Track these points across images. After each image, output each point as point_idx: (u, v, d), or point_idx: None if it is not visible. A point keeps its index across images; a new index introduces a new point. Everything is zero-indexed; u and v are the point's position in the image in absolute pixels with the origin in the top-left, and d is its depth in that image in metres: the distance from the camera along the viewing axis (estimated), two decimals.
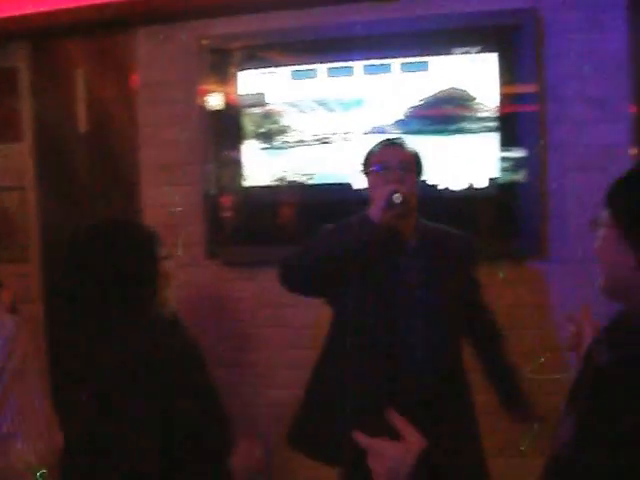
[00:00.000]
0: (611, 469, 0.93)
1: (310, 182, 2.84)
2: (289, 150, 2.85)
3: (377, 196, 1.85)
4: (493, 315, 2.15)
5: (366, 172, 2.01)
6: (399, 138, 2.08)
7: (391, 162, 1.92)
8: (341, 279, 1.93)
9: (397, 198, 1.80)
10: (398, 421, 1.12)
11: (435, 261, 1.94)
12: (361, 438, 1.14)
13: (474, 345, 2.14)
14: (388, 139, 2.04)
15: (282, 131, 2.86)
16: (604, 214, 1.12)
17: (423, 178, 2.05)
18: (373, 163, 1.97)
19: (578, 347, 1.33)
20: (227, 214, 2.94)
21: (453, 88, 2.70)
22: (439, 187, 2.70)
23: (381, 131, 2.71)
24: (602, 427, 0.97)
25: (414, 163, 1.97)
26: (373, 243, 1.83)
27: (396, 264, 1.92)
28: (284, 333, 2.95)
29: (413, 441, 1.10)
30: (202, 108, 2.91)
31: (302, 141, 2.83)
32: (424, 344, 1.91)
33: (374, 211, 1.82)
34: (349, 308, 1.97)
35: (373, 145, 2.03)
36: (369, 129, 2.75)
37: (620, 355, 1.03)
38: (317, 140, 2.82)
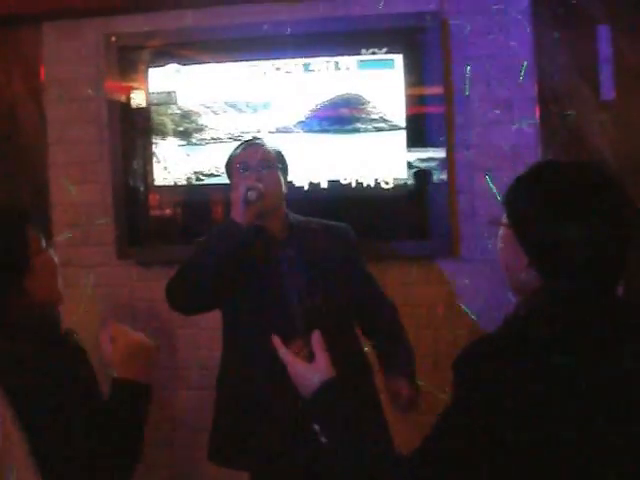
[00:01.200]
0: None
1: (223, 181, 2.81)
2: (201, 148, 2.82)
3: (235, 197, 1.85)
4: (392, 308, 2.13)
5: (229, 174, 2.05)
6: (258, 138, 2.13)
7: (250, 162, 1.95)
8: (224, 288, 1.91)
9: (251, 195, 1.80)
10: (317, 346, 1.24)
11: (308, 253, 1.96)
12: (278, 345, 1.26)
13: (373, 339, 2.13)
14: (247, 140, 2.09)
15: (193, 129, 2.83)
16: (503, 215, 1.17)
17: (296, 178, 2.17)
18: (234, 165, 2.00)
19: None
20: (139, 213, 2.89)
21: (359, 89, 2.70)
22: (348, 188, 2.70)
23: (289, 131, 2.71)
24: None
25: (275, 160, 1.99)
26: (240, 244, 1.82)
27: (268, 259, 1.94)
28: (198, 334, 2.93)
29: (322, 367, 1.21)
30: (111, 106, 2.85)
31: (213, 139, 2.81)
32: (315, 324, 1.88)
33: (234, 212, 1.82)
34: (232, 311, 2.00)
35: (234, 148, 2.05)
36: (278, 128, 2.74)
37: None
38: (230, 138, 2.80)
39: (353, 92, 2.71)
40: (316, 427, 1.15)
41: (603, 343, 1.03)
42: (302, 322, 1.90)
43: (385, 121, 2.69)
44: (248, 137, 2.72)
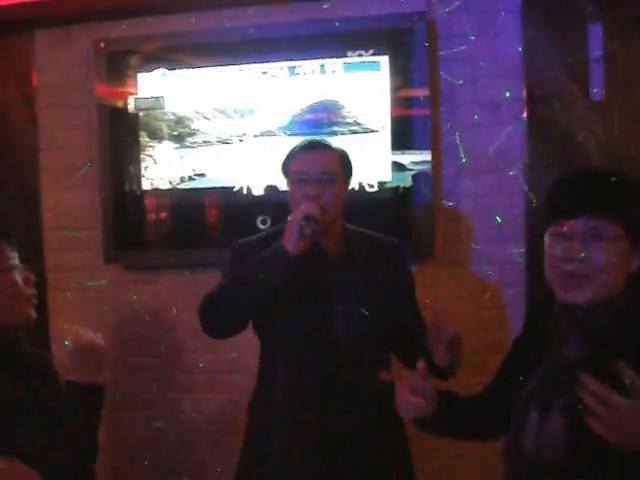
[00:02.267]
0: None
1: (209, 185, 2.81)
2: (189, 153, 2.82)
3: (290, 223, 1.68)
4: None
5: (285, 175, 1.85)
6: (320, 140, 1.90)
7: (310, 172, 1.74)
8: (264, 312, 1.79)
9: (306, 229, 1.65)
10: None
11: (364, 272, 1.80)
12: None
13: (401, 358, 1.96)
14: (310, 141, 1.86)
15: (183, 134, 2.83)
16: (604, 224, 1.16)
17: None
18: (292, 169, 1.80)
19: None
20: (126, 217, 2.90)
21: (345, 92, 2.68)
22: None
23: (272, 134, 2.69)
24: None
25: (338, 168, 1.79)
26: (286, 274, 1.67)
27: (321, 280, 1.78)
28: (185, 337, 2.92)
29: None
30: (100, 111, 2.87)
31: (202, 144, 2.81)
32: (352, 363, 1.77)
33: (287, 242, 1.66)
34: (273, 333, 1.82)
35: (294, 147, 1.85)
36: (262, 131, 2.73)
37: (594, 350, 1.11)
38: (218, 142, 2.80)
39: (335, 96, 2.69)
40: None
41: None
42: (346, 353, 1.77)
43: (371, 123, 2.66)
44: (235, 140, 2.75)
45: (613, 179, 1.18)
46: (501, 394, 1.36)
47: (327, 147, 1.83)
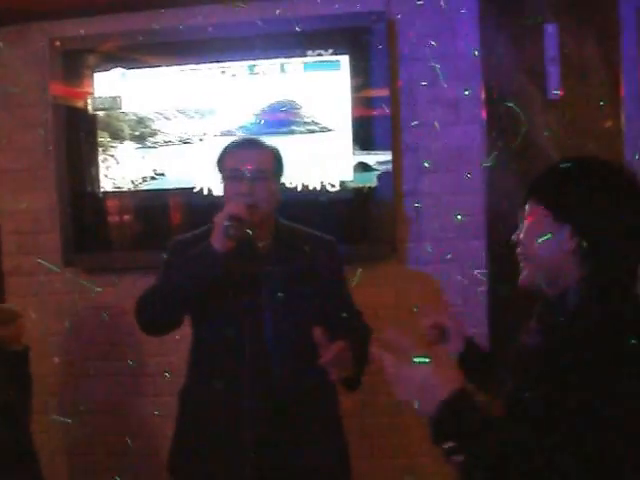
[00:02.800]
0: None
1: (170, 185, 2.79)
2: (150, 153, 2.79)
3: (216, 223, 1.71)
4: (367, 331, 1.97)
5: (220, 171, 1.87)
6: (255, 138, 1.94)
7: (243, 169, 1.77)
8: (196, 307, 1.83)
9: (231, 230, 1.67)
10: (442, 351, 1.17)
11: (292, 266, 1.85)
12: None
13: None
14: (244, 139, 1.91)
15: (144, 134, 2.79)
16: (532, 207, 1.20)
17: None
18: (226, 166, 1.83)
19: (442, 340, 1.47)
20: (85, 219, 2.86)
21: (304, 91, 2.67)
22: (292, 190, 2.67)
23: (232, 134, 2.68)
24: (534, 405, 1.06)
25: (271, 166, 1.82)
26: (215, 271, 1.71)
27: (253, 270, 1.82)
28: (147, 340, 2.87)
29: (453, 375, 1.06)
30: (56, 111, 2.82)
31: (163, 144, 2.78)
32: (286, 347, 1.83)
33: (214, 241, 1.69)
34: (205, 323, 1.88)
35: (228, 144, 1.87)
36: (223, 131, 2.71)
37: (552, 339, 1.14)
38: (179, 142, 2.77)
39: (294, 96, 2.69)
40: (449, 445, 0.98)
41: None
42: (274, 342, 1.82)
43: (330, 123, 2.66)
44: (194, 140, 2.73)
45: (550, 169, 1.26)
46: None
47: (260, 145, 1.85)
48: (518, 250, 1.25)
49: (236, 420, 1.82)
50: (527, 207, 1.23)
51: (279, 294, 1.81)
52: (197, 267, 1.72)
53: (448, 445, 0.98)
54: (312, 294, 1.86)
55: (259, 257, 1.85)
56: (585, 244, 1.14)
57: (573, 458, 0.96)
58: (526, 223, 1.22)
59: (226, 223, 1.68)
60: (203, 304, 1.81)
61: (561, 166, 1.22)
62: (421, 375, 1.01)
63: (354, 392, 1.89)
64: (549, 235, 1.17)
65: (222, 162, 1.85)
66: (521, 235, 1.24)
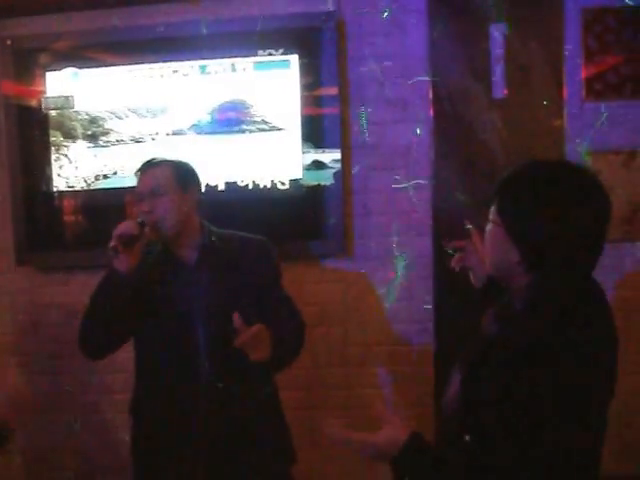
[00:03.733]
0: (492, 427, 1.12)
1: (123, 184, 2.80)
2: (103, 152, 2.80)
3: (112, 247, 1.77)
4: (293, 323, 2.00)
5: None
6: (155, 159, 1.96)
7: (143, 191, 1.86)
8: (132, 324, 1.87)
9: (114, 250, 1.74)
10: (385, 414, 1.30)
11: (221, 272, 1.89)
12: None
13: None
14: (144, 163, 1.95)
15: (96, 133, 2.81)
16: (491, 212, 1.24)
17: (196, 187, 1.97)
18: (135, 192, 1.92)
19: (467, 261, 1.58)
20: (38, 218, 2.86)
21: (255, 90, 2.70)
22: (241, 188, 2.70)
23: (183, 133, 2.70)
24: (486, 389, 1.16)
25: (169, 181, 1.86)
26: (128, 290, 1.77)
27: (179, 284, 1.87)
28: None
29: (397, 425, 1.27)
30: (8, 110, 2.82)
31: (115, 143, 2.79)
32: (217, 358, 1.87)
33: (115, 262, 1.76)
34: (142, 338, 1.94)
35: (136, 170, 1.95)
36: (174, 130, 2.74)
37: (505, 330, 1.22)
38: (131, 141, 2.79)
39: (245, 95, 2.72)
40: None
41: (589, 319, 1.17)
42: (209, 350, 1.86)
43: (280, 122, 2.70)
44: (149, 139, 2.75)
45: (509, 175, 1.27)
46: None
47: (156, 165, 1.91)
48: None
49: (186, 430, 1.87)
50: (491, 209, 1.25)
51: (210, 302, 1.86)
52: (108, 292, 1.79)
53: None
54: (245, 297, 1.89)
55: (185, 267, 1.90)
56: (529, 259, 1.17)
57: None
58: (487, 227, 1.26)
59: (111, 244, 1.74)
60: (139, 320, 1.86)
61: (512, 175, 1.23)
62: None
63: (274, 375, 1.97)
64: (500, 244, 1.22)
65: (132, 194, 1.97)
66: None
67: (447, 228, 2.66)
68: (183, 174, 1.92)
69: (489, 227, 1.25)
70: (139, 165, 1.94)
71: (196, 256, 1.90)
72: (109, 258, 1.77)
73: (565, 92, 2.69)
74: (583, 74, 2.70)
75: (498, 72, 2.70)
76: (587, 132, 2.71)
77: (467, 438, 1.19)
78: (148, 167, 1.92)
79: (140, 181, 1.90)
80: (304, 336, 1.97)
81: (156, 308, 1.85)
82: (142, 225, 1.78)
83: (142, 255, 1.81)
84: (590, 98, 2.70)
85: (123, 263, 1.75)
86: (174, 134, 2.74)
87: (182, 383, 1.87)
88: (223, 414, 1.86)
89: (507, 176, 1.23)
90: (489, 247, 1.25)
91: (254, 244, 1.97)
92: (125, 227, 1.77)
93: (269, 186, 2.70)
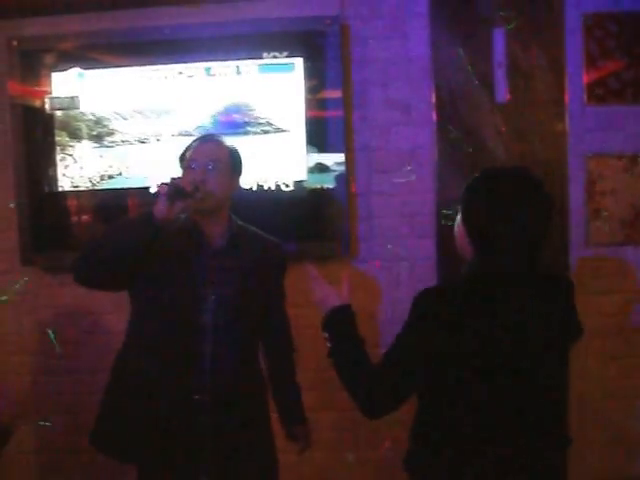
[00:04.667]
0: None
1: (128, 185, 2.82)
2: (108, 153, 2.82)
3: (161, 189, 1.77)
4: (289, 329, 2.19)
5: (181, 166, 1.97)
6: (214, 134, 2.08)
7: (199, 159, 1.88)
8: (132, 272, 1.87)
9: (170, 190, 1.71)
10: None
11: (241, 263, 1.94)
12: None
13: (266, 355, 2.17)
14: (204, 136, 2.03)
15: (102, 133, 2.83)
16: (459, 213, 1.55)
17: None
18: (185, 159, 1.94)
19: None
20: (43, 219, 2.88)
21: (259, 93, 2.73)
22: (247, 190, 2.73)
23: (189, 134, 2.72)
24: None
25: (225, 161, 1.92)
26: (149, 237, 1.75)
27: (199, 263, 1.90)
28: (104, 338, 2.91)
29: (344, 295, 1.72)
30: (14, 111, 2.84)
31: (120, 143, 2.82)
32: (219, 346, 1.91)
33: (156, 206, 1.74)
34: (146, 303, 1.94)
35: (191, 141, 1.98)
36: (180, 131, 2.76)
37: None
38: (136, 142, 2.81)
39: (249, 97, 2.75)
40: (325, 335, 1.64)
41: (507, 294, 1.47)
42: (211, 335, 1.90)
43: (284, 124, 2.72)
44: (154, 140, 2.77)
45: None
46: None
47: (218, 141, 1.98)
48: None
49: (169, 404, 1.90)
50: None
51: (226, 288, 1.91)
52: (132, 227, 1.79)
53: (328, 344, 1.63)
54: (256, 291, 1.97)
55: (210, 250, 1.93)
56: (471, 238, 1.50)
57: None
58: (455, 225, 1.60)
59: (165, 184, 1.74)
60: (144, 282, 1.88)
61: (470, 185, 1.52)
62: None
63: None
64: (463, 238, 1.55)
65: (183, 156, 1.96)
66: None
67: (451, 230, 2.68)
68: (237, 160, 1.98)
69: (456, 225, 1.58)
70: (198, 137, 2.00)
71: (223, 241, 1.94)
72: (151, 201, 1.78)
73: (567, 96, 2.72)
74: (584, 79, 2.74)
75: (500, 76, 2.73)
76: (589, 136, 2.74)
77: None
78: (210, 139, 1.98)
79: (199, 150, 1.91)
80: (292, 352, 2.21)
81: (171, 278, 1.87)
82: (195, 189, 1.78)
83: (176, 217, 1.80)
84: (591, 103, 2.73)
85: (162, 211, 1.73)
86: (179, 135, 2.76)
87: (179, 359, 1.89)
88: (216, 395, 1.91)
89: (466, 186, 1.51)
90: (458, 240, 1.57)
91: (273, 245, 2.06)
92: (183, 181, 1.79)
93: (273, 188, 2.72)
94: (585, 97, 2.73)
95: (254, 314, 2.01)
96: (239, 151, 1.99)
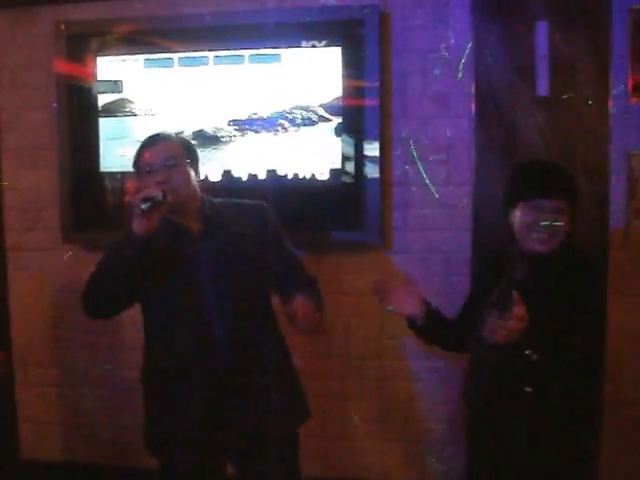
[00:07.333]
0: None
1: None
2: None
3: (133, 207, 1.84)
4: (313, 281, 2.15)
5: (136, 174, 2.02)
6: (162, 133, 2.07)
7: (155, 162, 1.92)
8: (138, 292, 1.95)
9: (145, 206, 1.77)
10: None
11: (226, 239, 1.99)
12: None
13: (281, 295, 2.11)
14: (151, 136, 2.03)
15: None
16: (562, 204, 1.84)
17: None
18: (141, 163, 1.97)
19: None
20: (85, 198, 2.96)
21: (295, 80, 2.74)
22: (282, 179, 2.75)
23: (225, 122, 2.76)
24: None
25: (180, 154, 1.97)
26: (138, 253, 1.82)
27: (185, 254, 1.96)
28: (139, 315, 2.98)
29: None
30: (60, 92, 2.92)
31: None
32: (227, 322, 1.97)
33: (135, 224, 1.82)
34: (152, 306, 2.02)
35: (140, 144, 2.01)
36: (220, 120, 2.79)
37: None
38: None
39: (284, 86, 2.77)
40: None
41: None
42: (219, 317, 1.96)
43: (322, 113, 2.73)
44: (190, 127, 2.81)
45: (562, 171, 1.90)
46: (466, 322, 2.00)
47: (166, 139, 2.01)
48: (546, 230, 1.83)
49: (198, 396, 1.97)
50: (556, 200, 1.85)
51: (218, 269, 1.96)
52: (120, 251, 1.85)
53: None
54: (250, 261, 1.99)
55: (191, 237, 1.98)
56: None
57: None
58: (559, 215, 1.84)
59: (139, 204, 1.79)
60: (148, 290, 1.94)
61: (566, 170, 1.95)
62: None
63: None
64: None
65: (138, 161, 1.98)
66: (553, 222, 1.84)
67: (487, 224, 2.67)
68: (190, 148, 2.05)
69: (564, 216, 1.85)
70: (143, 139, 2.01)
71: (200, 226, 1.99)
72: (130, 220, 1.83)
73: (610, 92, 2.66)
74: (630, 74, 2.67)
75: (542, 70, 2.68)
76: (632, 133, 2.68)
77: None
78: (157, 140, 1.99)
79: (150, 153, 1.94)
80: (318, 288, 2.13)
81: (165, 277, 1.92)
82: (164, 194, 1.83)
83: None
84: (635, 97, 2.67)
85: (142, 226, 1.79)
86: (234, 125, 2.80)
87: (192, 350, 1.96)
88: (234, 379, 1.96)
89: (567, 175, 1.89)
90: (562, 229, 1.85)
91: (252, 209, 2.08)
92: (150, 192, 1.82)
93: (308, 176, 2.74)
94: (630, 93, 2.67)
95: (258, 283, 2.04)
96: (189, 141, 2.06)
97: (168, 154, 1.93)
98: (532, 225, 1.84)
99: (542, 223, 1.82)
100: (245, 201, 2.10)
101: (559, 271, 1.83)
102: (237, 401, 1.98)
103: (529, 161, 2.07)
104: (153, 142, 1.98)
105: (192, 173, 1.99)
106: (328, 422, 2.83)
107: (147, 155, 1.94)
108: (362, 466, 2.88)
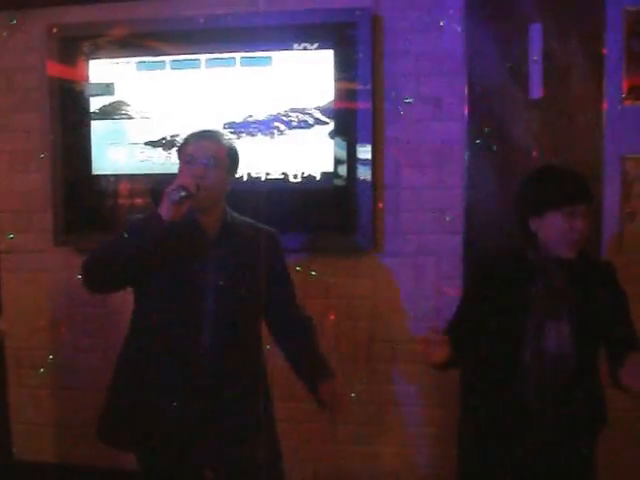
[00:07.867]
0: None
1: (157, 171, 2.87)
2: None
3: (166, 191, 1.84)
4: (303, 312, 2.19)
5: (179, 158, 2.01)
6: (213, 131, 2.07)
7: (196, 155, 1.92)
8: (140, 274, 1.94)
9: (176, 195, 1.78)
10: None
11: (237, 252, 2.00)
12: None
13: (286, 342, 2.19)
14: (203, 130, 2.04)
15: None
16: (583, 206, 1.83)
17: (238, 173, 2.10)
18: (185, 152, 1.97)
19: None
20: (77, 200, 2.95)
21: (287, 83, 2.73)
22: (273, 181, 2.74)
23: (218, 124, 2.75)
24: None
25: (223, 158, 1.97)
26: (158, 238, 1.82)
27: (198, 254, 1.96)
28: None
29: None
30: (52, 95, 2.91)
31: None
32: (219, 329, 1.97)
33: (161, 208, 1.82)
34: (149, 295, 2.01)
35: (188, 135, 2.02)
36: (216, 122, 2.78)
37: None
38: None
39: (277, 89, 2.76)
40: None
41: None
42: (213, 319, 1.96)
43: (314, 116, 2.72)
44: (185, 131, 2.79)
45: (579, 176, 1.87)
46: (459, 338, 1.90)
47: (217, 138, 2.01)
48: (577, 235, 1.82)
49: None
50: (584, 205, 1.83)
51: (223, 277, 1.96)
52: (143, 231, 1.83)
53: None
54: (253, 280, 2.00)
55: (206, 240, 1.98)
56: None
57: None
58: (585, 219, 1.82)
59: (177, 190, 1.79)
60: (147, 275, 1.93)
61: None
62: None
63: None
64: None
65: (182, 150, 1.99)
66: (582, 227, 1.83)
67: (479, 227, 2.65)
68: (234, 155, 2.03)
69: (589, 219, 1.84)
70: (196, 132, 2.01)
71: (217, 232, 2.00)
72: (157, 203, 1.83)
73: (604, 94, 2.64)
74: (623, 76, 2.64)
75: (536, 72, 2.66)
76: (626, 136, 2.66)
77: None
78: (206, 137, 1.99)
79: (195, 146, 1.95)
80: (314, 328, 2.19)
81: (171, 270, 1.92)
82: (197, 188, 1.83)
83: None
84: (630, 101, 2.65)
85: (171, 213, 1.80)
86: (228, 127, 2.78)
87: (181, 347, 1.95)
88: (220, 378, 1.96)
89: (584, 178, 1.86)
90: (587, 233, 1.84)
91: (264, 232, 2.09)
92: (185, 180, 1.82)
93: (300, 179, 2.73)
94: (624, 96, 2.65)
95: (254, 302, 2.04)
96: (237, 148, 2.03)
97: (211, 153, 1.93)
98: (566, 231, 1.81)
99: (578, 228, 1.81)
100: (259, 224, 2.11)
101: (587, 275, 1.88)
102: (216, 405, 1.97)
103: (544, 167, 2.01)
104: (202, 137, 1.99)
105: (227, 180, 1.99)
106: (318, 426, 2.81)
107: (192, 147, 1.95)
108: (353, 470, 2.87)
